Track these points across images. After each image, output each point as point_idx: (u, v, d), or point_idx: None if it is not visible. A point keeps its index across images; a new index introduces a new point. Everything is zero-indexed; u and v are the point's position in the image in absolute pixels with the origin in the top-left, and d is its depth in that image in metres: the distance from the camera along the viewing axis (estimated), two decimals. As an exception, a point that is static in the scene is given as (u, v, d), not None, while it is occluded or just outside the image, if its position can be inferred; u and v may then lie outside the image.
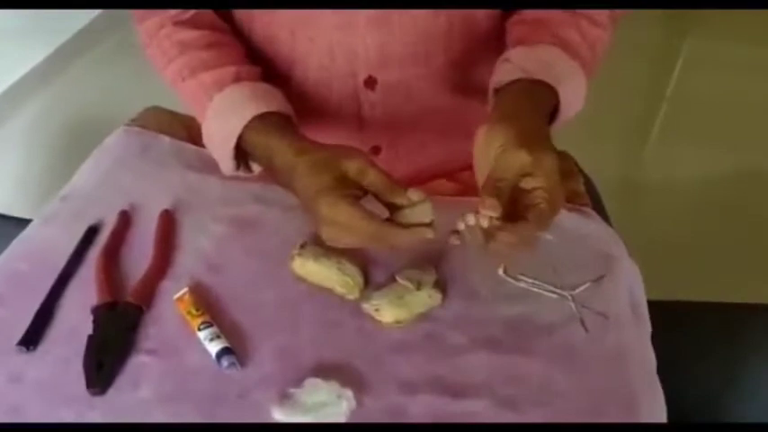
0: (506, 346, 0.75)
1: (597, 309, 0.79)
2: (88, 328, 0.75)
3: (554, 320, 0.78)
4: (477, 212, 0.67)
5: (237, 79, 0.82)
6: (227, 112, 0.80)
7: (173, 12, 0.86)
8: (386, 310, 0.77)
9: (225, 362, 0.73)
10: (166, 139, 0.99)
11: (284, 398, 0.69)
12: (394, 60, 0.88)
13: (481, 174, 0.70)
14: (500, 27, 0.91)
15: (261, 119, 0.78)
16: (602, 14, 0.83)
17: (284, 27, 0.88)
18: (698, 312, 1.13)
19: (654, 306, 0.86)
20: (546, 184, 0.66)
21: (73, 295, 0.80)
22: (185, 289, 0.79)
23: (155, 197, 0.90)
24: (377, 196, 0.71)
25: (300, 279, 0.81)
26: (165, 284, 0.81)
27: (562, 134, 0.81)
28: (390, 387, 0.71)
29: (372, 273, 0.81)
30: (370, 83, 0.89)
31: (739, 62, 2.61)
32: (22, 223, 0.92)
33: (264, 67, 0.89)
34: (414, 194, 0.69)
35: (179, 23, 0.86)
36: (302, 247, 0.81)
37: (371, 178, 0.69)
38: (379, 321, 0.77)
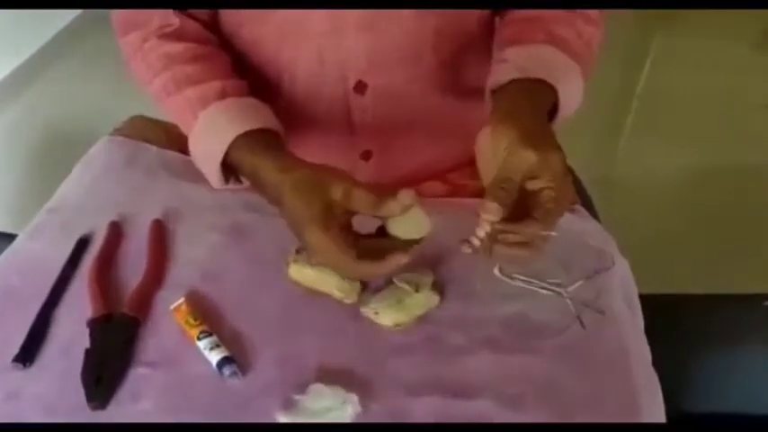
0: (506, 345, 0.76)
1: (593, 305, 0.80)
2: (84, 342, 0.74)
3: (551, 318, 0.79)
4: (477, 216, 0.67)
5: (223, 95, 0.82)
6: (211, 132, 0.80)
7: (156, 24, 0.85)
8: (385, 314, 0.77)
9: (227, 371, 0.72)
10: (153, 148, 0.98)
11: (289, 405, 0.69)
12: (383, 64, 0.88)
13: (486, 175, 0.70)
14: (489, 27, 0.91)
15: (245, 137, 0.78)
16: (594, 11, 0.84)
17: (271, 34, 0.87)
18: (681, 304, 1.15)
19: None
20: (554, 184, 0.66)
21: (67, 309, 0.79)
22: (182, 299, 0.78)
23: (144, 207, 0.89)
24: (365, 213, 0.70)
25: (297, 285, 0.80)
26: (161, 295, 0.80)
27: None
28: (394, 390, 0.71)
29: (370, 276, 0.81)
30: (360, 88, 0.89)
31: (707, 59, 2.66)
32: (5, 238, 0.90)
33: (252, 75, 0.89)
34: (403, 199, 0.69)
35: (164, 36, 0.85)
36: (298, 252, 0.81)
37: (357, 199, 0.69)
38: (379, 325, 0.77)
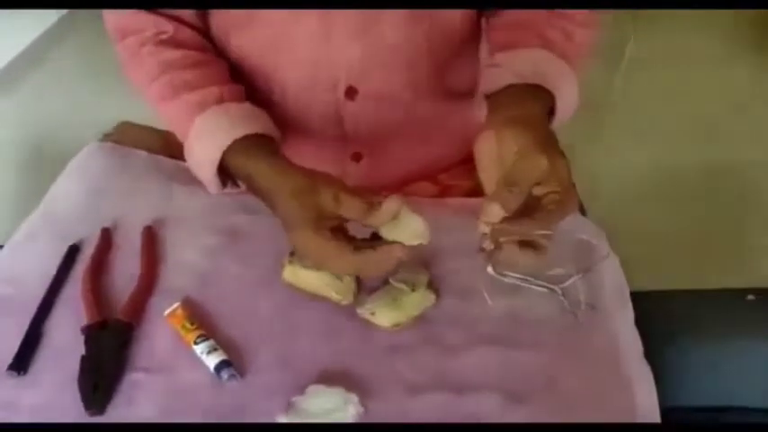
0: (503, 341, 0.76)
1: (586, 300, 0.81)
2: (79, 349, 0.74)
3: (546, 314, 0.79)
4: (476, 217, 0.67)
5: (220, 100, 0.82)
6: (207, 136, 0.80)
7: (152, 31, 0.85)
8: (382, 314, 0.77)
9: (225, 374, 0.72)
10: (143, 153, 0.97)
11: (289, 407, 0.69)
12: (374, 70, 0.88)
13: (488, 177, 0.70)
14: (476, 31, 0.92)
15: (242, 142, 0.78)
16: (581, 13, 0.85)
17: (259, 42, 0.87)
18: (663, 300, 1.16)
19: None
20: (560, 189, 0.66)
21: (60, 316, 0.78)
22: (177, 304, 0.78)
23: (136, 213, 0.89)
24: (355, 221, 0.71)
25: (293, 287, 0.80)
26: (155, 301, 0.80)
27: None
28: (395, 390, 0.71)
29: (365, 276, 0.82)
30: (351, 93, 0.89)
31: (683, 57, 2.69)
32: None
33: (245, 82, 0.89)
34: (389, 206, 0.69)
35: (161, 43, 0.85)
36: (292, 254, 0.81)
37: (346, 205, 0.69)
38: (376, 325, 0.77)
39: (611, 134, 2.43)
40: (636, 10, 2.58)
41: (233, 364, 0.73)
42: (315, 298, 0.79)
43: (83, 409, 0.69)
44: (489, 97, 0.79)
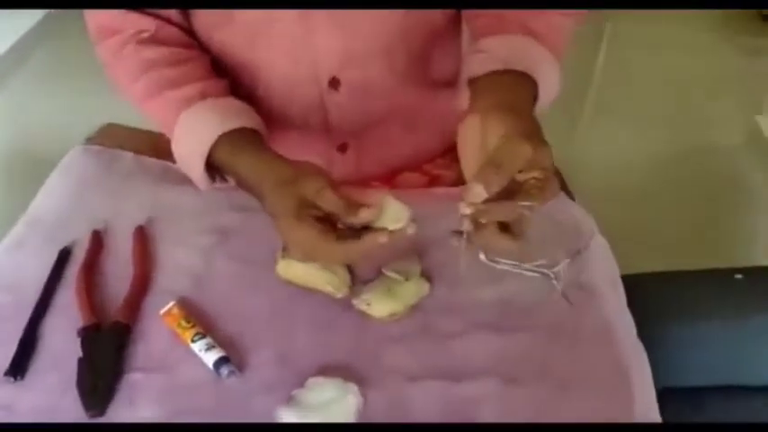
0: (498, 327, 0.77)
1: (578, 283, 0.82)
2: (75, 352, 0.74)
3: (539, 299, 0.80)
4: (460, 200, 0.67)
5: (204, 96, 0.82)
6: (194, 132, 0.80)
7: (133, 30, 0.85)
8: (378, 304, 0.77)
9: (224, 371, 0.72)
10: (129, 154, 0.97)
11: (290, 401, 0.69)
12: (356, 60, 0.88)
13: (471, 161, 0.70)
14: (456, 19, 0.92)
15: (228, 136, 0.79)
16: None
17: (241, 37, 0.87)
18: (653, 282, 1.17)
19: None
20: (542, 176, 0.66)
21: (55, 320, 0.78)
22: (172, 303, 0.78)
23: (125, 214, 0.89)
24: (337, 217, 0.71)
25: (287, 282, 0.81)
26: (149, 301, 0.80)
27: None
28: (394, 379, 0.72)
29: (358, 268, 0.82)
30: (334, 84, 0.89)
31: (662, 40, 2.71)
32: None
33: (229, 76, 0.89)
34: (367, 212, 0.69)
35: (142, 42, 0.85)
36: (285, 249, 0.81)
37: (327, 199, 0.70)
38: (372, 316, 0.78)
39: (594, 120, 2.45)
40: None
41: (231, 361, 0.73)
42: (309, 292, 0.80)
43: (82, 411, 0.69)
44: (472, 83, 0.79)
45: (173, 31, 0.87)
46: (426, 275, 0.82)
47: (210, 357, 0.73)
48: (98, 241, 0.86)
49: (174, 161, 0.85)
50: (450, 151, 1.02)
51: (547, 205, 0.90)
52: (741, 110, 2.40)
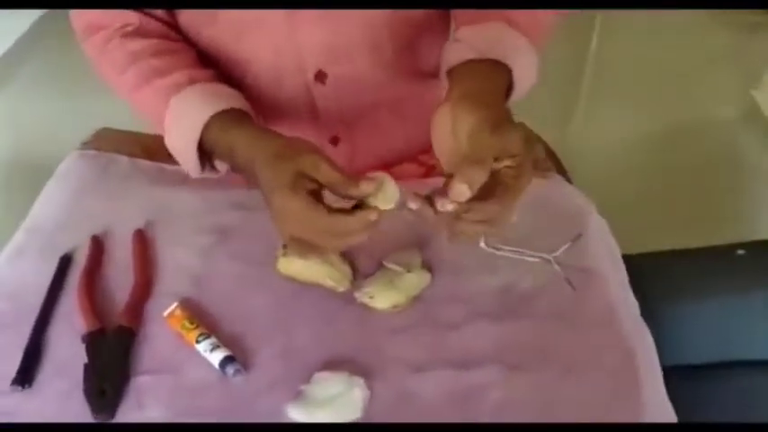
0: (501, 313, 0.77)
1: (580, 266, 0.82)
2: (80, 358, 0.74)
3: (541, 284, 0.80)
4: (443, 196, 0.66)
5: (192, 81, 0.81)
6: (184, 115, 0.79)
7: (118, 24, 0.85)
8: (381, 297, 0.78)
9: (230, 370, 0.72)
10: (124, 158, 0.97)
11: (297, 396, 0.70)
12: (341, 53, 0.88)
13: (443, 153, 0.69)
14: (445, 11, 0.92)
15: (218, 117, 0.78)
16: None
17: (226, 32, 0.87)
18: (656, 260, 1.17)
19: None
20: (513, 163, 0.65)
21: (59, 327, 0.78)
22: (174, 304, 0.78)
23: (124, 218, 0.89)
24: (333, 190, 0.70)
25: (288, 278, 0.81)
26: (152, 303, 0.80)
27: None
28: (399, 371, 0.72)
29: (359, 262, 0.82)
30: (321, 77, 0.89)
31: (653, 18, 2.70)
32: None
33: (218, 68, 0.89)
34: (368, 184, 0.68)
35: (126, 35, 0.84)
36: (285, 246, 0.81)
37: (324, 171, 0.69)
38: (375, 308, 0.78)
39: (591, 100, 2.44)
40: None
41: (237, 360, 0.73)
42: (311, 287, 0.80)
43: (90, 417, 0.69)
44: (449, 73, 0.78)
45: (157, 25, 0.86)
46: (427, 266, 0.82)
47: (216, 357, 0.73)
48: (98, 246, 0.86)
49: (169, 162, 0.85)
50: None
51: (544, 190, 0.91)
52: (737, 85, 2.39)
